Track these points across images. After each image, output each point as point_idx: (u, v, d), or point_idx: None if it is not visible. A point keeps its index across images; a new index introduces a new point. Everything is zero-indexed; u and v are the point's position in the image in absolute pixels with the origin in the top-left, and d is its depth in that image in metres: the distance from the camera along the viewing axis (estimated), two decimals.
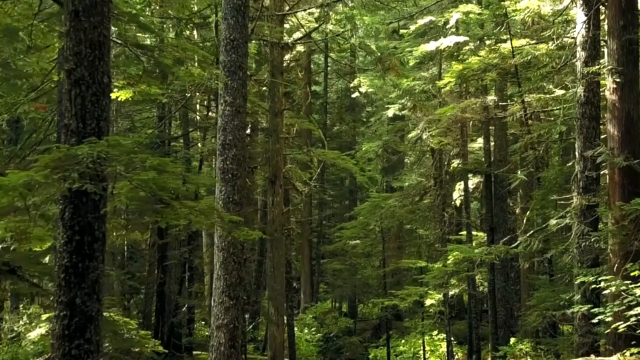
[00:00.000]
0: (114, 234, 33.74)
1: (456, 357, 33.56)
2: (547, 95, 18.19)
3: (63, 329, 7.11)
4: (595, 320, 10.54)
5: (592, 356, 9.16)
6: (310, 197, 40.24)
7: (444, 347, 28.41)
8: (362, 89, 32.60)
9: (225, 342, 14.09)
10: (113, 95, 11.26)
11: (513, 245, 14.52)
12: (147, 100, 25.59)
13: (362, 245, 31.96)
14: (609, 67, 13.55)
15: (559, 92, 18.10)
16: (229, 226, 7.89)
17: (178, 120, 30.50)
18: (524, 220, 22.94)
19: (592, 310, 10.81)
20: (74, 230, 7.01)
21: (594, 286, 10.52)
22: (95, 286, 7.23)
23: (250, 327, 33.16)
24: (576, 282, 12.07)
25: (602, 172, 14.73)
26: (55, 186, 6.48)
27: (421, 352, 30.13)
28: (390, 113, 26.79)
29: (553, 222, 13.92)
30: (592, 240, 13.19)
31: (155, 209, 7.07)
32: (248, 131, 31.05)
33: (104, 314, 9.83)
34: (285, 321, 25.39)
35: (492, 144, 26.67)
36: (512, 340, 29.21)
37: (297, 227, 41.38)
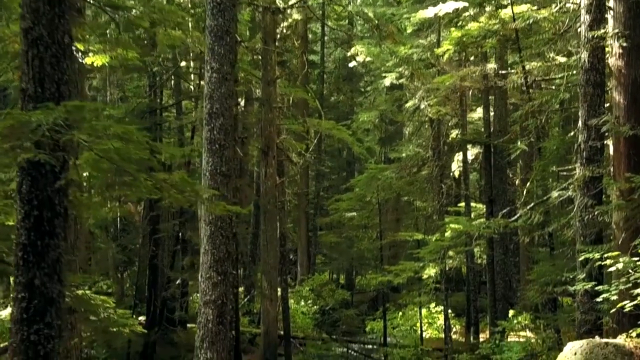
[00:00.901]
0: (108, 205, 33.38)
1: (454, 329, 33.17)
2: (549, 63, 17.48)
3: (21, 312, 6.51)
4: (599, 299, 9.97)
5: (597, 337, 8.58)
6: (307, 169, 39.63)
7: (441, 320, 27.94)
8: (360, 58, 31.75)
9: (213, 318, 13.58)
10: (88, 61, 10.64)
11: (512, 219, 13.91)
12: (137, 69, 24.96)
13: (358, 217, 31.37)
14: (615, 31, 12.85)
15: (561, 59, 17.41)
16: (205, 201, 7.27)
17: (170, 89, 29.76)
18: (524, 192, 22.32)
19: (597, 288, 10.24)
20: (32, 204, 6.39)
21: (599, 263, 9.94)
22: (57, 266, 6.60)
23: (246, 300, 32.74)
24: (580, 260, 11.50)
25: (606, 142, 14.06)
26: (9, 157, 5.84)
27: (418, 324, 29.69)
28: (387, 82, 26.04)
29: (555, 194, 13.28)
30: (596, 213, 12.58)
31: (124, 182, 6.44)
32: (242, 103, 30.46)
33: (79, 292, 9.28)
34: (279, 295, 24.89)
35: (492, 114, 26.05)
36: (511, 312, 28.81)
37: (294, 199, 40.85)
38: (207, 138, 13.83)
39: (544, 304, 18.56)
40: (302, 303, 35.63)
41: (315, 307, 35.10)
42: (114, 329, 9.69)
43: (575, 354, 8.12)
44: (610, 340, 8.09)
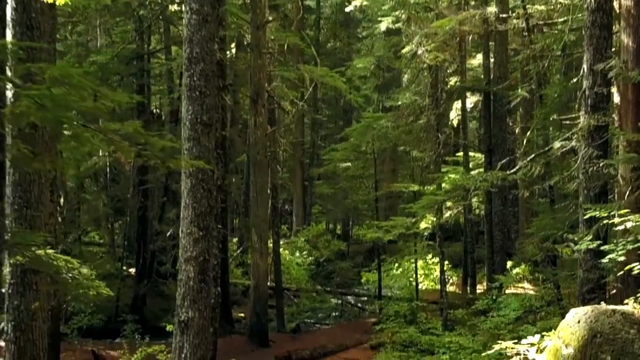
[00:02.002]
0: (99, 154, 32.59)
1: (451, 281, 32.65)
2: (552, 5, 16.49)
3: None
4: (605, 260, 9.21)
5: (603, 303, 7.84)
6: (302, 117, 38.76)
7: (438, 272, 27.31)
8: (357, 2, 30.57)
9: (195, 275, 12.84)
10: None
11: (512, 171, 13.08)
12: (123, 13, 23.93)
13: (353, 168, 30.58)
14: None
15: (565, 0, 16.41)
16: (161, 155, 6.45)
17: (159, 34, 28.65)
18: (524, 141, 21.51)
19: (602, 248, 9.48)
20: None
21: (606, 221, 9.17)
22: None
23: (238, 251, 32.16)
24: (584, 217, 10.73)
25: (613, 89, 13.17)
26: None
27: (416, 276, 29.15)
28: (383, 27, 25.03)
29: (557, 144, 12.43)
30: (601, 165, 11.76)
31: (70, 134, 5.61)
32: (233, 50, 29.42)
33: (39, 252, 8.53)
34: (271, 247, 24.24)
35: (492, 60, 25.12)
36: (509, 264, 28.21)
37: (289, 149, 40.04)
38: (186, 85, 12.93)
39: (543, 260, 17.87)
40: (297, 254, 35.10)
41: (310, 258, 34.57)
42: (79, 291, 8.90)
43: (579, 322, 7.38)
44: (618, 308, 7.33)
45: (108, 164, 30.86)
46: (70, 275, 8.70)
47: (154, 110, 28.10)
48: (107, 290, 9.25)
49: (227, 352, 19.81)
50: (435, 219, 14.31)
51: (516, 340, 8.51)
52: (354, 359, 19.68)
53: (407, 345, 18.78)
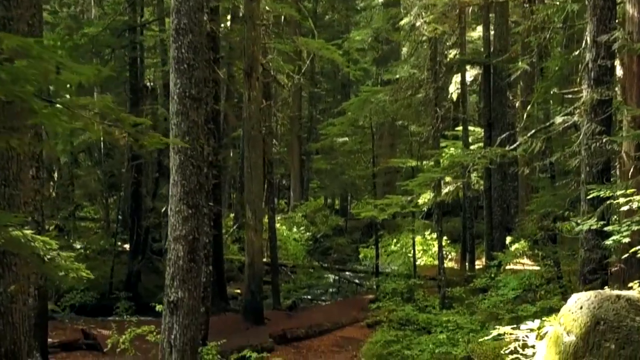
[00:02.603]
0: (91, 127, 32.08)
1: (449, 256, 32.34)
2: None
3: None
4: (609, 242, 8.79)
5: (607, 288, 7.45)
6: (299, 91, 38.22)
7: (436, 247, 26.98)
8: None
9: (184, 255, 12.42)
10: None
11: (511, 147, 12.63)
12: None
13: (351, 142, 30.09)
14: None
15: None
16: (133, 132, 6.01)
17: (152, 5, 28.01)
18: (524, 116, 21.09)
19: (606, 229, 9.06)
20: None
21: (610, 202, 8.74)
22: None
23: (235, 227, 31.81)
24: (588, 197, 10.30)
25: (616, 62, 12.68)
26: None
27: (413, 252, 28.81)
28: None
29: (558, 119, 11.96)
30: (604, 141, 11.31)
31: (33, 110, 5.17)
32: (230, 23, 28.83)
33: (15, 233, 8.11)
34: (266, 223, 23.85)
35: (492, 32, 24.59)
36: (508, 239, 27.85)
37: (287, 123, 39.56)
38: (174, 57, 12.42)
39: (543, 236, 17.49)
40: (295, 230, 34.76)
41: (308, 234, 34.22)
42: (60, 273, 8.49)
43: (581, 307, 6.99)
44: (623, 293, 6.93)
45: (102, 138, 30.37)
46: (49, 257, 8.25)
47: (148, 84, 27.53)
48: (87, 272, 8.83)
49: (220, 331, 19.48)
50: (433, 195, 13.86)
51: (515, 326, 8.14)
52: (350, 337, 19.39)
53: (404, 324, 18.46)
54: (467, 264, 26.57)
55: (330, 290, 28.77)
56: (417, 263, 28.61)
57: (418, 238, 30.77)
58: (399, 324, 18.52)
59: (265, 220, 23.97)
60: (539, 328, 7.76)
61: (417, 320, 18.37)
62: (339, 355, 17.71)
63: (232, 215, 34.40)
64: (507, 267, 21.52)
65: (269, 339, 18.24)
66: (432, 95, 22.46)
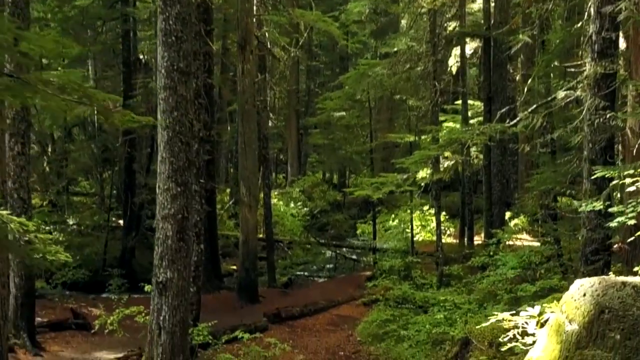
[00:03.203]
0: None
1: (448, 232, 31.99)
2: None
3: None
4: (614, 224, 8.36)
5: (612, 274, 7.05)
6: (296, 64, 37.66)
7: (435, 223, 26.63)
8: None
9: (173, 234, 12.06)
10: None
11: (512, 123, 12.17)
12: None
13: (348, 117, 29.55)
14: None
15: None
16: (104, 110, 5.58)
17: None
18: (525, 90, 20.59)
19: (610, 210, 8.65)
20: None
21: (615, 182, 8.30)
22: None
23: (230, 202, 31.44)
24: (592, 177, 9.84)
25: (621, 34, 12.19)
26: None
27: (413, 226, 28.46)
28: None
29: (560, 94, 11.49)
30: (608, 117, 10.85)
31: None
32: None
33: None
34: (261, 199, 23.45)
35: (492, 4, 24.05)
36: (508, 214, 27.48)
37: (284, 96, 39.03)
38: (161, 29, 11.95)
39: (543, 214, 17.09)
40: (292, 205, 34.40)
41: (305, 209, 33.84)
42: (36, 256, 8.11)
43: (585, 295, 6.58)
44: (629, 280, 6.52)
45: (96, 112, 29.86)
46: (25, 239, 7.86)
47: (141, 57, 26.94)
48: (66, 255, 8.48)
49: (214, 309, 19.19)
50: (430, 173, 13.39)
51: (514, 312, 7.73)
52: (346, 316, 19.07)
53: (401, 302, 18.15)
54: (465, 239, 26.26)
55: (327, 266, 28.44)
56: (415, 239, 28.26)
57: (416, 213, 30.40)
58: (395, 303, 18.21)
59: (262, 196, 23.56)
60: (539, 315, 7.36)
61: (414, 299, 18.05)
62: (334, 334, 17.39)
63: (228, 190, 34.01)
64: (507, 242, 21.18)
65: (263, 318, 17.92)
66: (431, 68, 21.99)
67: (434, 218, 26.70)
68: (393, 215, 29.61)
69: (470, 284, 17.15)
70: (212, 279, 21.13)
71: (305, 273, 27.27)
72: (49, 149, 32.23)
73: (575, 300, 6.67)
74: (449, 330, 14.09)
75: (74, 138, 32.77)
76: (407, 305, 17.87)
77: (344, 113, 29.51)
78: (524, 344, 7.33)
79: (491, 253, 17.41)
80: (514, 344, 7.49)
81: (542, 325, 7.30)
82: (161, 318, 12.14)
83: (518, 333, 7.49)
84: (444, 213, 30.55)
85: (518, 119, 12.02)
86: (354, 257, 29.42)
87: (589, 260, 10.88)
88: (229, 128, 33.90)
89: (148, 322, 12.49)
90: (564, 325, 6.68)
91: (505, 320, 7.65)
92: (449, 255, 22.93)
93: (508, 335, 7.54)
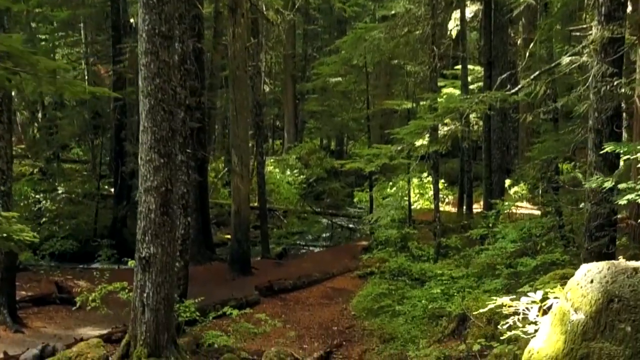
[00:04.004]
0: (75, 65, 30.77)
1: (446, 200, 31.46)
2: None
3: None
4: (623, 201, 7.76)
5: (621, 258, 6.47)
6: (293, 28, 36.79)
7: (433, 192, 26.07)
8: None
9: (156, 208, 11.47)
10: None
11: (513, 91, 11.50)
12: None
13: (345, 83, 28.73)
14: None
15: None
16: (47, 77, 4.94)
17: None
18: (526, 55, 19.87)
19: (620, 186, 8.03)
20: None
21: (627, 158, 7.68)
22: None
23: (225, 170, 30.86)
24: (596, 149, 9.24)
25: None
26: None
27: (411, 194, 27.93)
28: None
29: (565, 60, 10.81)
30: (615, 84, 10.20)
31: None
32: None
33: None
34: (254, 167, 22.85)
35: None
36: (507, 182, 26.92)
37: (281, 61, 38.21)
38: None
39: (544, 185, 16.49)
40: (288, 172, 33.82)
41: (301, 176, 33.24)
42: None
43: (592, 281, 6.02)
44: None
45: (87, 77, 29.18)
46: None
47: (131, 21, 26.10)
48: (32, 235, 7.86)
49: (205, 281, 18.72)
50: (427, 143, 12.75)
51: (514, 297, 7.16)
52: (341, 288, 18.59)
53: (397, 275, 17.63)
54: (464, 208, 25.73)
55: (323, 235, 27.95)
56: (414, 207, 27.73)
57: (415, 181, 29.83)
58: (391, 275, 17.70)
59: (255, 164, 22.95)
60: (541, 300, 6.79)
61: (411, 271, 17.53)
62: (327, 308, 16.90)
63: (223, 158, 33.39)
64: (506, 211, 20.64)
65: (254, 291, 17.38)
66: (430, 32, 21.22)
67: (432, 186, 26.15)
68: (391, 184, 29.04)
69: (469, 256, 16.58)
70: (204, 250, 20.60)
71: (301, 242, 26.78)
72: (39, 116, 31.58)
73: (581, 287, 6.11)
74: (445, 305, 13.58)
75: (65, 104, 32.06)
76: (403, 278, 17.36)
77: (340, 79, 28.71)
78: (525, 333, 6.78)
79: (490, 224, 16.83)
80: (513, 332, 6.93)
81: (545, 313, 6.74)
82: (145, 295, 11.60)
83: (518, 320, 6.93)
84: (442, 180, 30.01)
85: (520, 86, 11.35)
86: (351, 225, 28.92)
87: (593, 236, 10.31)
88: (225, 95, 33.17)
89: (131, 299, 11.96)
90: (568, 314, 6.13)
91: (505, 305, 7.08)
92: (447, 225, 22.39)
93: (508, 322, 6.97)
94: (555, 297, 6.71)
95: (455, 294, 14.02)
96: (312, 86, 31.57)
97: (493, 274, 14.14)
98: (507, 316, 7.14)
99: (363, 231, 26.66)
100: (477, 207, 26.41)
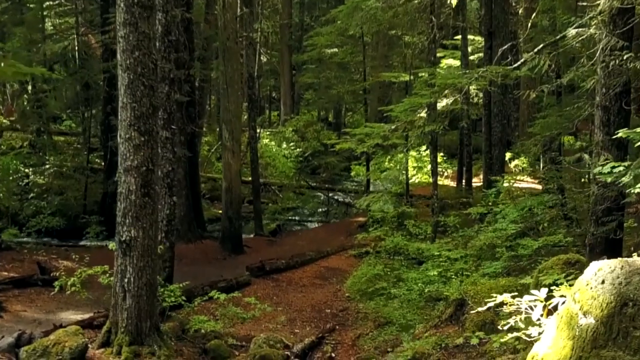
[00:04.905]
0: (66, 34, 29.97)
1: (445, 173, 30.86)
2: None
3: None
4: (638, 189, 7.10)
5: (635, 255, 5.84)
6: None
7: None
8: None
9: (137, 188, 10.87)
10: None
11: (515, 65, 10.79)
12: None
13: (341, 54, 27.90)
14: None
15: None
16: None
17: None
18: (528, 26, 19.17)
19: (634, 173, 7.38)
20: None
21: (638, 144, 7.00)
22: None
23: (218, 144, 30.16)
24: (604, 128, 8.60)
25: None
26: None
27: (410, 167, 27.32)
28: None
29: (571, 32, 10.10)
30: (624, 58, 9.50)
31: None
32: None
33: None
34: (247, 141, 22.18)
35: None
36: (508, 155, 26.27)
37: (277, 31, 37.36)
38: None
39: (546, 162, 15.84)
40: (284, 145, 33.11)
41: (298, 150, 32.55)
42: None
43: (603, 282, 5.40)
44: None
45: (77, 47, 28.37)
46: None
47: None
48: None
49: (195, 261, 18.17)
50: (423, 122, 12.08)
51: (515, 293, 6.55)
52: (335, 268, 18.02)
53: (393, 254, 17.04)
54: (463, 182, 25.12)
55: (319, 210, 27.35)
56: (412, 181, 27.14)
57: (413, 153, 29.18)
58: (387, 254, 17.11)
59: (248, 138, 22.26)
60: (546, 299, 6.17)
61: (407, 251, 16.95)
62: (321, 289, 16.34)
63: (217, 131, 32.68)
64: (506, 184, 20.02)
65: (245, 272, 16.76)
66: (428, 1, 20.44)
67: (430, 162, 25.53)
68: (389, 157, 28.38)
69: (468, 236, 15.96)
70: (194, 228, 19.95)
71: (296, 218, 26.19)
72: (29, 87, 30.82)
73: (591, 288, 5.48)
74: (443, 289, 13.03)
75: (56, 73, 31.28)
76: (399, 258, 16.79)
77: (336, 50, 27.89)
78: (528, 336, 6.17)
79: (490, 202, 16.20)
80: (515, 334, 6.32)
81: (550, 313, 6.13)
82: (126, 280, 11.03)
83: (520, 320, 6.32)
84: (441, 154, 29.35)
85: (522, 60, 10.63)
86: (348, 200, 28.33)
87: (599, 220, 9.68)
88: (219, 67, 32.38)
89: (112, 284, 11.38)
90: (577, 317, 5.51)
91: (507, 304, 6.47)
92: (445, 200, 21.77)
93: (509, 323, 6.37)
94: (561, 296, 6.09)
95: (453, 276, 13.46)
96: (307, 57, 30.68)
97: (492, 256, 13.56)
98: (507, 316, 6.54)
99: (360, 206, 26.08)
100: (476, 181, 25.83)
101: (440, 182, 22.92)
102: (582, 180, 15.20)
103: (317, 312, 14.61)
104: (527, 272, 12.46)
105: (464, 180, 25.28)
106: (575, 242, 12.92)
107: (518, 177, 27.13)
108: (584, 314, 5.42)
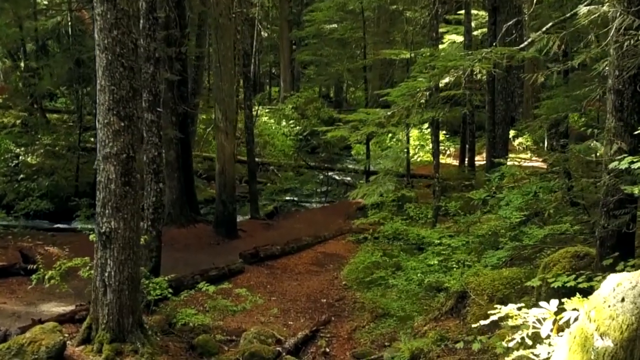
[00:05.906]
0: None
1: (448, 152, 30.20)
2: None
3: None
4: None
5: None
6: None
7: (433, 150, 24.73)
8: None
9: (117, 177, 10.21)
10: None
11: (521, 46, 10.02)
12: None
13: (341, 30, 26.99)
14: None
15: None
16: None
17: None
18: (534, 0, 18.29)
19: None
20: None
21: None
22: None
23: (213, 125, 29.46)
24: (616, 113, 7.87)
25: None
26: None
27: (412, 146, 26.67)
28: None
29: (583, 10, 9.34)
30: None
31: None
32: None
33: None
34: (243, 119, 21.46)
35: None
36: (512, 133, 25.54)
37: (277, 5, 36.51)
38: None
39: (552, 145, 15.11)
40: (284, 123, 32.40)
41: (298, 127, 31.81)
42: None
43: (623, 300, 4.75)
44: None
45: (70, 23, 27.58)
46: None
47: None
48: None
49: (188, 246, 17.57)
50: (421, 109, 11.34)
51: (522, 305, 5.88)
52: (333, 254, 17.37)
53: (392, 239, 16.37)
54: (466, 162, 24.43)
55: (319, 189, 26.67)
56: (413, 159, 26.47)
57: (415, 132, 28.46)
58: (386, 240, 16.43)
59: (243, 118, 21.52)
60: (556, 313, 5.51)
61: (407, 236, 16.28)
62: (317, 277, 15.69)
63: (213, 109, 31.94)
64: (510, 162, 19.34)
65: (238, 259, 16.09)
66: None
67: (432, 143, 24.83)
68: (390, 135, 27.66)
69: (469, 222, 15.26)
70: (187, 211, 19.28)
71: (295, 198, 25.53)
72: (22, 63, 30.08)
73: (609, 306, 4.81)
74: (443, 279, 12.37)
75: (49, 51, 30.51)
76: (399, 243, 16.12)
77: (335, 25, 27.01)
78: (536, 356, 5.51)
79: (493, 187, 15.48)
80: (521, 352, 5.66)
81: (561, 330, 5.47)
82: (106, 274, 10.39)
83: (527, 336, 5.65)
84: (444, 131, 28.63)
85: (529, 40, 9.86)
86: (347, 179, 27.66)
87: (611, 213, 8.96)
88: (213, 44, 31.51)
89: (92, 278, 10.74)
90: (592, 338, 4.84)
91: (513, 317, 5.81)
92: (447, 182, 21.04)
93: (514, 339, 5.70)
94: (573, 309, 5.42)
95: (454, 266, 12.80)
96: (306, 33, 29.76)
97: (495, 244, 12.89)
98: (513, 329, 5.88)
99: (354, 198, 25.41)
100: (479, 160, 25.15)
101: (442, 161, 22.25)
102: (589, 164, 14.46)
103: (312, 302, 13.98)
104: (531, 261, 11.84)
105: (466, 160, 24.56)
106: (582, 229, 12.25)
107: (522, 156, 26.48)
108: (601, 335, 4.75)
